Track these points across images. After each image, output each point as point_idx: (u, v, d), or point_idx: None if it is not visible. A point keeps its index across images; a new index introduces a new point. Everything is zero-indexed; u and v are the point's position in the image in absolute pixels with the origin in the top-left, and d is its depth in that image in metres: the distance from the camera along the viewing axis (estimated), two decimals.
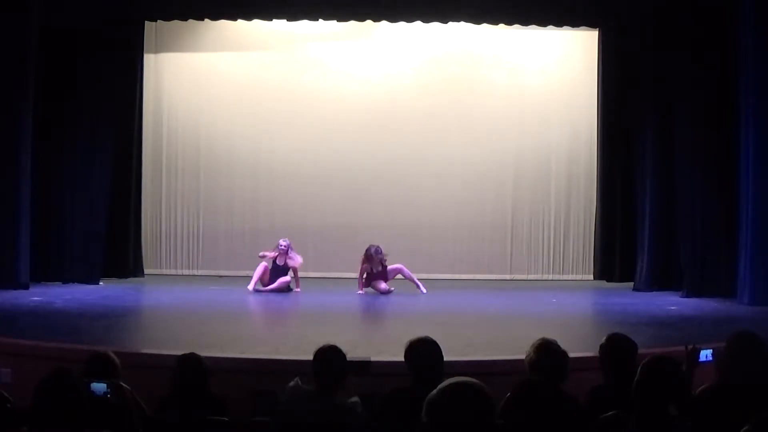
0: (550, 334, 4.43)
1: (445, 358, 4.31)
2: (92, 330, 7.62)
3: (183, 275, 12.67)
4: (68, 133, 11.29)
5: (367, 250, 10.77)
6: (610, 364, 4.27)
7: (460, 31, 12.26)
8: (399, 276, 10.91)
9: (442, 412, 2.36)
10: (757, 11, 9.77)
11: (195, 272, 12.82)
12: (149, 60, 12.48)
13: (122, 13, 11.34)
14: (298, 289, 10.96)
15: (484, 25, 11.89)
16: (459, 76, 12.89)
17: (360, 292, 10.76)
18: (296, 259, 10.97)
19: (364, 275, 10.86)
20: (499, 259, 12.95)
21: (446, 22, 11.76)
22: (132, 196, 11.97)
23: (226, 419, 4.29)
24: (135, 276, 11.88)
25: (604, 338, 4.40)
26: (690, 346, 4.44)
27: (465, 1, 11.27)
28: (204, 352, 4.99)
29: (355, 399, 4.30)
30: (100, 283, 11.16)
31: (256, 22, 12.00)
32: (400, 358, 4.42)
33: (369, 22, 11.93)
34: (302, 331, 8.36)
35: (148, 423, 4.20)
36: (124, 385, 4.26)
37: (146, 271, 12.21)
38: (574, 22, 11.91)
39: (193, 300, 10.12)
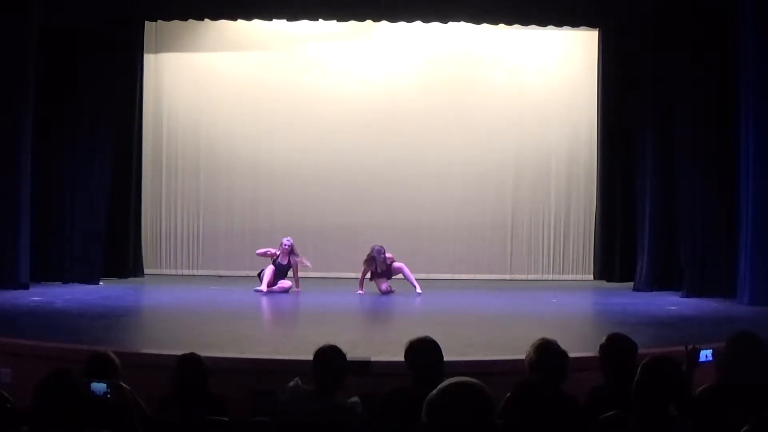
0: (550, 334, 4.42)
1: (445, 358, 4.31)
2: (92, 330, 7.61)
3: (183, 275, 12.67)
4: (68, 133, 11.29)
5: (370, 251, 10.76)
6: (610, 364, 4.27)
7: (460, 31, 12.26)
8: (399, 276, 10.90)
9: (442, 412, 2.36)
10: (757, 11, 9.77)
11: (195, 272, 12.82)
12: (149, 60, 12.48)
13: (122, 13, 11.34)
14: (298, 289, 10.95)
15: (484, 25, 11.89)
16: (459, 76, 12.89)
17: (360, 291, 10.75)
18: (304, 262, 10.95)
19: (368, 274, 10.84)
20: (499, 259, 12.95)
21: (446, 22, 11.77)
22: (132, 196, 11.98)
23: (226, 419, 4.29)
24: (135, 276, 11.88)
25: (604, 338, 4.40)
26: (690, 346, 4.44)
27: (465, 1, 11.28)
28: (204, 352, 4.99)
29: (355, 399, 4.29)
30: (100, 283, 11.16)
31: (256, 22, 12.01)
32: (400, 358, 4.41)
33: (369, 22, 11.94)
34: (302, 331, 8.37)
35: (148, 423, 4.20)
36: (124, 385, 4.26)
37: (146, 271, 12.21)
38: (574, 22, 11.92)
39: (193, 300, 10.13)
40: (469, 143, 12.82)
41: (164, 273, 12.67)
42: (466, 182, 12.84)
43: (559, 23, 11.81)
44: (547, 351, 4.18)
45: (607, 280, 12.06)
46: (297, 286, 10.99)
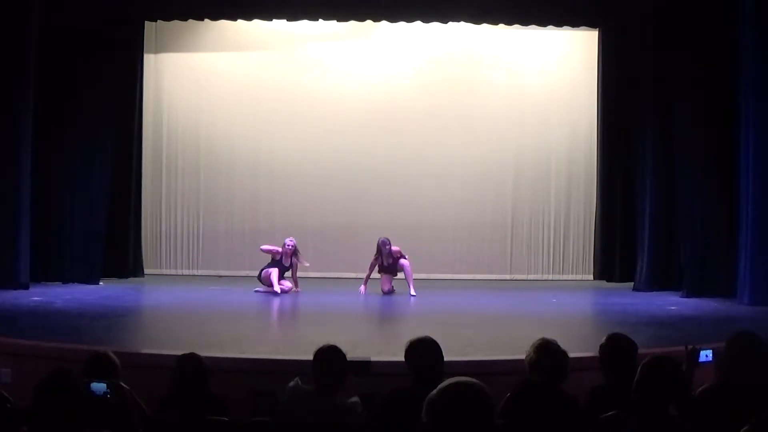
0: (550, 334, 4.42)
1: (445, 358, 4.31)
2: (92, 330, 7.62)
3: (183, 275, 12.67)
4: (68, 133, 11.29)
5: (377, 244, 10.77)
6: (610, 364, 4.27)
7: (460, 31, 12.26)
8: (400, 276, 10.87)
9: (442, 412, 2.36)
10: (757, 11, 9.77)
11: (195, 272, 12.82)
12: (149, 60, 12.48)
13: (122, 13, 11.35)
14: (298, 290, 10.95)
15: (484, 25, 11.90)
16: (459, 76, 12.89)
17: (361, 289, 10.73)
18: (304, 263, 10.94)
19: (375, 269, 10.81)
20: (499, 259, 12.95)
21: (446, 22, 11.77)
22: (132, 196, 11.98)
23: (226, 419, 4.29)
24: (135, 276, 11.88)
25: (604, 338, 4.40)
26: (690, 347, 4.44)
27: (465, 1, 11.28)
28: (204, 352, 4.99)
29: (355, 399, 4.29)
30: (100, 283, 11.16)
31: (256, 22, 12.01)
32: (400, 358, 4.42)
33: (369, 22, 11.94)
34: (302, 331, 8.37)
35: (148, 423, 4.20)
36: (124, 385, 4.26)
37: (146, 271, 12.21)
38: (574, 22, 11.92)
39: (193, 300, 10.12)
40: (469, 143, 12.82)
41: (164, 273, 12.67)
42: (466, 182, 12.84)
43: (559, 23, 11.81)
44: (547, 351, 4.18)
45: (607, 280, 12.06)
46: (296, 286, 10.99)
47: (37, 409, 3.12)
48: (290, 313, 9.98)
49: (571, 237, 12.97)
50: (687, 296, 10.43)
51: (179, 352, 4.87)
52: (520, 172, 12.94)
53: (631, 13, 11.43)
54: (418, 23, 11.79)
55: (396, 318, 9.71)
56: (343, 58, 12.93)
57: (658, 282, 11.17)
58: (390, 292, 10.76)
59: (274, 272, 10.65)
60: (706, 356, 4.40)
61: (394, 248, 10.82)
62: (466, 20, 11.70)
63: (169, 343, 6.94)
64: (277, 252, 10.80)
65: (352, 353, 4.81)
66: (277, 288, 10.54)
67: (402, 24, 11.94)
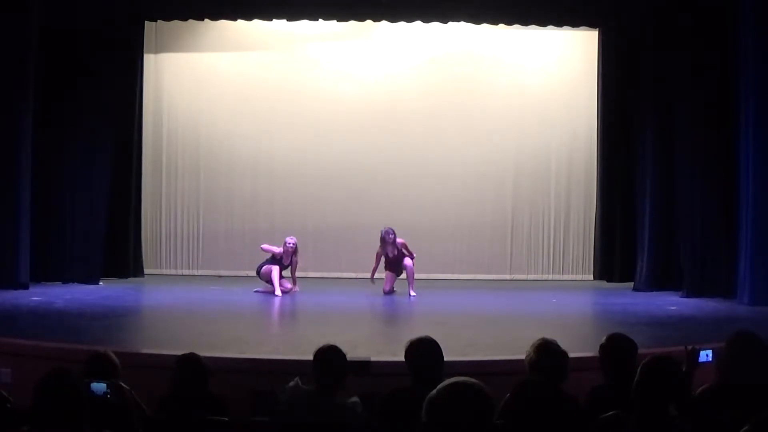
0: (550, 334, 4.42)
1: (445, 358, 4.31)
2: (92, 330, 7.62)
3: (183, 275, 12.66)
4: (68, 133, 11.29)
5: (380, 234, 10.77)
6: (610, 364, 4.27)
7: (460, 31, 12.26)
8: (402, 276, 10.86)
9: (442, 412, 2.36)
10: (757, 11, 9.77)
11: (195, 272, 12.82)
12: (149, 60, 12.48)
13: (122, 13, 11.35)
14: (297, 288, 10.93)
15: (484, 25, 11.89)
16: (459, 76, 12.89)
17: (373, 281, 10.73)
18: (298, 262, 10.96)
19: (381, 260, 10.80)
20: (499, 259, 12.95)
21: (446, 22, 11.77)
22: (132, 196, 11.98)
23: (226, 419, 4.29)
24: (135, 276, 11.88)
25: (604, 338, 4.40)
26: (690, 347, 4.44)
27: (465, 1, 11.28)
28: (204, 352, 4.99)
29: (355, 399, 4.29)
30: (100, 283, 11.16)
31: (256, 22, 12.00)
32: (400, 358, 4.42)
33: (369, 22, 11.93)
34: (302, 331, 8.38)
35: (148, 423, 4.20)
36: (124, 385, 4.26)
37: (146, 271, 12.21)
38: (574, 22, 11.91)
39: (193, 300, 10.12)
40: (469, 143, 12.81)
41: (164, 273, 12.66)
42: (466, 182, 12.84)
43: (559, 23, 11.81)
44: (547, 351, 4.18)
45: (607, 280, 12.05)
46: (295, 285, 10.96)
47: (37, 409, 3.11)
48: (290, 313, 9.99)
49: (571, 237, 12.97)
50: (687, 296, 10.43)
51: (179, 352, 4.87)
52: (520, 172, 12.94)
53: (631, 13, 11.44)
54: (418, 23, 11.79)
55: (396, 318, 9.71)
56: (343, 58, 12.92)
57: (658, 282, 11.17)
58: (390, 292, 10.76)
59: (275, 270, 10.62)
60: (706, 356, 4.41)
61: (399, 240, 10.81)
62: (466, 20, 11.69)
63: (169, 343, 6.94)
64: (279, 252, 10.80)
65: (352, 353, 4.82)
66: (278, 291, 10.53)
67: (402, 24, 11.94)
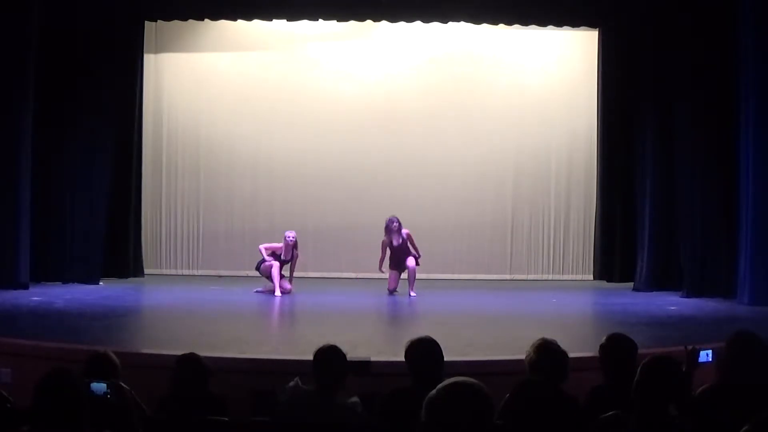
0: (550, 334, 4.42)
1: (445, 358, 4.31)
2: (92, 330, 7.62)
3: (183, 275, 12.67)
4: (68, 133, 11.29)
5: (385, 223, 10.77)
6: (610, 364, 4.27)
7: (460, 31, 12.26)
8: (403, 275, 10.85)
9: (441, 412, 2.35)
10: (757, 11, 9.77)
11: (195, 272, 12.82)
12: (149, 60, 12.48)
13: (122, 13, 11.35)
14: (290, 286, 10.84)
15: (484, 25, 11.90)
16: (459, 76, 12.89)
17: (382, 271, 10.74)
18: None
19: (387, 251, 10.77)
20: (499, 259, 12.95)
21: (446, 22, 11.77)
22: (132, 196, 11.98)
23: (226, 419, 4.29)
24: (135, 276, 11.88)
25: (604, 338, 4.40)
26: (690, 347, 4.44)
27: (465, 1, 11.28)
28: (204, 352, 4.99)
29: (355, 399, 4.29)
30: (100, 283, 11.16)
31: (256, 22, 12.00)
32: (400, 358, 4.42)
33: (369, 22, 11.93)
34: (302, 331, 8.38)
35: (148, 423, 4.20)
36: (124, 385, 4.26)
37: (146, 271, 12.21)
38: (574, 22, 11.92)
39: (193, 300, 10.12)
40: (469, 143, 12.81)
41: (164, 273, 12.67)
42: (466, 182, 12.84)
43: (559, 23, 11.81)
44: (547, 351, 4.18)
45: (607, 280, 12.05)
46: (290, 280, 10.90)
47: (37, 409, 3.11)
48: (290, 313, 9.99)
49: (571, 237, 12.97)
50: (687, 296, 10.43)
51: (179, 352, 4.88)
52: (520, 172, 12.94)
53: (631, 13, 11.44)
54: (418, 23, 11.79)
55: (396, 318, 9.71)
56: (343, 58, 12.92)
57: (658, 282, 11.17)
58: (394, 290, 10.74)
59: (276, 267, 10.59)
60: (706, 356, 4.41)
61: (404, 231, 10.80)
62: (466, 20, 11.70)
63: (169, 343, 6.94)
64: (279, 248, 10.76)
65: (352, 353, 4.82)
66: (277, 291, 10.51)
67: (402, 24, 11.95)
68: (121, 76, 11.61)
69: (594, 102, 12.36)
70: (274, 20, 11.87)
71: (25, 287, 10.25)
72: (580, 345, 6.22)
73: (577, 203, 12.96)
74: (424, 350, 4.30)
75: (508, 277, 12.82)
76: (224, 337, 7.20)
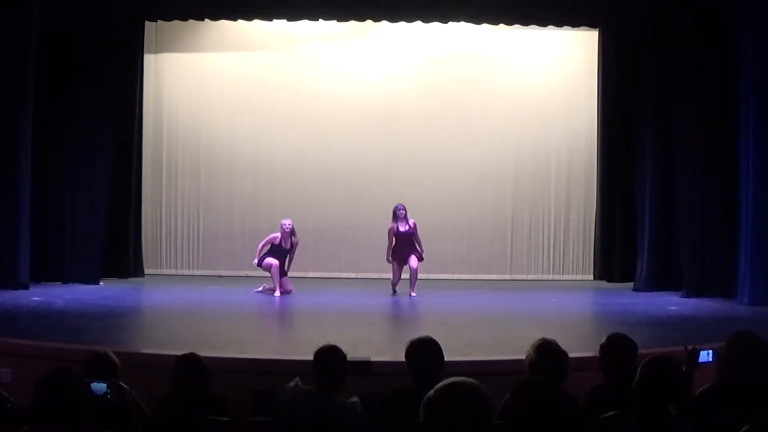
0: (550, 334, 4.42)
1: (445, 358, 4.30)
2: (92, 330, 7.62)
3: (183, 275, 12.67)
4: (68, 133, 11.29)
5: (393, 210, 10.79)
6: (610, 364, 4.27)
7: (460, 31, 12.26)
8: (404, 276, 10.84)
9: (440, 412, 2.35)
10: (757, 11, 9.77)
11: (195, 272, 12.82)
12: (149, 60, 12.48)
13: (122, 13, 11.35)
14: (291, 287, 10.81)
15: (484, 25, 11.89)
16: (459, 76, 12.88)
17: (389, 260, 10.74)
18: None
19: (393, 241, 10.76)
20: (499, 259, 12.94)
21: (446, 22, 11.77)
22: (132, 196, 11.97)
23: (226, 419, 4.29)
24: (135, 276, 11.88)
25: (604, 338, 4.40)
26: (690, 347, 4.44)
27: (465, 1, 11.28)
28: (204, 352, 4.99)
29: (355, 399, 4.29)
30: (100, 283, 11.16)
31: (256, 22, 12.00)
32: (400, 358, 4.41)
33: (369, 22, 11.93)
34: (302, 331, 8.38)
35: (148, 423, 4.20)
36: (124, 385, 4.26)
37: (146, 271, 12.21)
38: (574, 22, 11.91)
39: (193, 300, 10.12)
40: (469, 143, 12.81)
41: (164, 273, 12.67)
42: (466, 182, 12.84)
43: (559, 23, 11.81)
44: (547, 351, 4.18)
45: (607, 281, 12.05)
46: (287, 269, 10.83)
47: (37, 409, 3.11)
48: (290, 313, 9.99)
49: (571, 237, 12.96)
50: (687, 296, 10.43)
51: (179, 352, 4.88)
52: (520, 172, 12.94)
53: (631, 13, 11.43)
54: (418, 23, 11.79)
55: (396, 318, 9.71)
56: (343, 58, 12.92)
57: (658, 282, 11.17)
58: (397, 284, 10.71)
59: (276, 266, 10.58)
60: (707, 356, 4.40)
61: (411, 220, 10.79)
62: (466, 20, 11.69)
63: (169, 343, 6.95)
64: (277, 237, 10.73)
65: (352, 353, 4.82)
66: (278, 291, 10.51)
67: (402, 24, 11.94)
68: (121, 76, 11.61)
69: (594, 102, 12.36)
70: (274, 20, 11.87)
71: (25, 287, 10.25)
72: (580, 345, 6.22)
73: (577, 203, 12.95)
74: (425, 350, 4.30)
75: (508, 277, 12.81)
76: (224, 337, 7.21)
